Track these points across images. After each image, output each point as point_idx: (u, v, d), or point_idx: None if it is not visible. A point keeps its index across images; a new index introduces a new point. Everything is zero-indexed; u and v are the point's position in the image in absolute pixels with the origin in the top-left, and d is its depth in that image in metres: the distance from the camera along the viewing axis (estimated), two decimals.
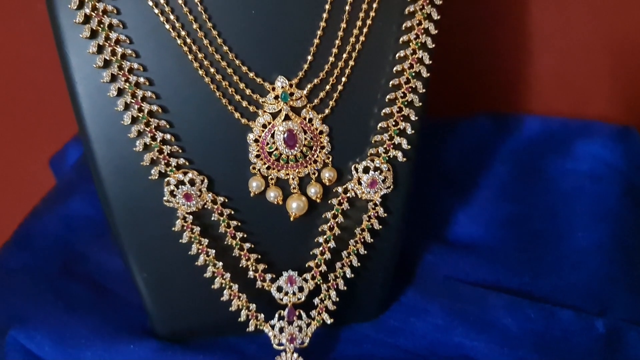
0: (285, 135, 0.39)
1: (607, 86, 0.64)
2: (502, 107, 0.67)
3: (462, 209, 0.54)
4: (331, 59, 0.40)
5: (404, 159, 0.41)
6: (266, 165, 0.40)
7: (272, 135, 0.39)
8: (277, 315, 0.41)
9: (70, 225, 0.54)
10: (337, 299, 0.42)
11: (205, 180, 0.40)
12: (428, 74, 0.40)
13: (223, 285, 0.41)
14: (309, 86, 0.40)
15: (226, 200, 0.40)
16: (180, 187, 0.39)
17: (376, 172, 0.41)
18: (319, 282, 0.42)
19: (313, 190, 0.40)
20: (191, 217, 0.40)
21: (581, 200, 0.50)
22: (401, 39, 0.40)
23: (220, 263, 0.40)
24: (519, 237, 0.50)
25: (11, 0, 0.69)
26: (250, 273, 0.41)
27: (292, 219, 0.40)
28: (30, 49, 0.71)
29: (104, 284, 0.50)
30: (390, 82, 0.40)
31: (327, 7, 0.39)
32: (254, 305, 0.41)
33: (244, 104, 0.39)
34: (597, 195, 0.51)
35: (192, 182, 0.39)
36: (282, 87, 0.39)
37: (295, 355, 0.41)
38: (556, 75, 0.65)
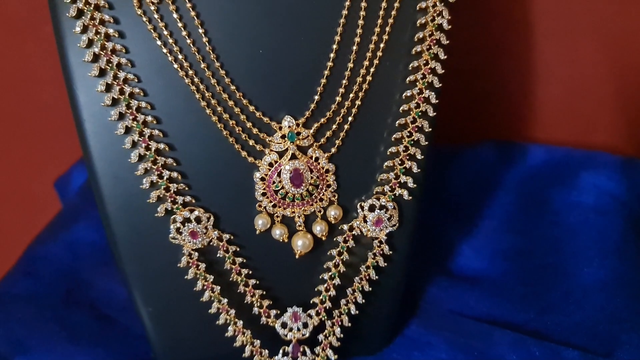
0: (292, 174, 0.39)
1: (612, 116, 0.64)
2: (507, 134, 0.67)
3: (466, 240, 0.54)
4: (338, 98, 0.40)
5: (410, 198, 0.41)
6: (272, 203, 0.40)
7: (279, 174, 0.39)
8: (281, 351, 0.41)
9: (74, 251, 0.54)
10: (342, 335, 0.42)
11: (212, 218, 0.40)
12: (434, 113, 0.41)
13: (228, 321, 0.41)
14: (315, 125, 0.40)
15: (232, 237, 0.40)
16: (186, 224, 0.39)
17: (382, 211, 0.41)
18: (323, 319, 0.42)
19: (319, 228, 0.40)
20: (197, 253, 0.40)
21: (586, 235, 0.50)
22: (408, 79, 0.40)
23: (225, 299, 0.40)
24: (523, 270, 0.50)
25: (18, 22, 0.69)
26: (255, 309, 0.41)
27: (297, 256, 0.41)
28: (36, 69, 0.71)
29: (107, 313, 0.50)
30: (397, 122, 0.40)
31: (334, 46, 0.40)
32: (259, 341, 0.41)
33: (251, 142, 0.39)
34: (602, 229, 0.50)
35: (198, 220, 0.39)
36: (289, 126, 0.39)
37: None
38: (561, 104, 0.65)
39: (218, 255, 0.40)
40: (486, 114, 0.68)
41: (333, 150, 0.40)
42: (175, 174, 0.39)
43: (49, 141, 0.72)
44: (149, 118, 0.38)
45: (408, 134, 0.40)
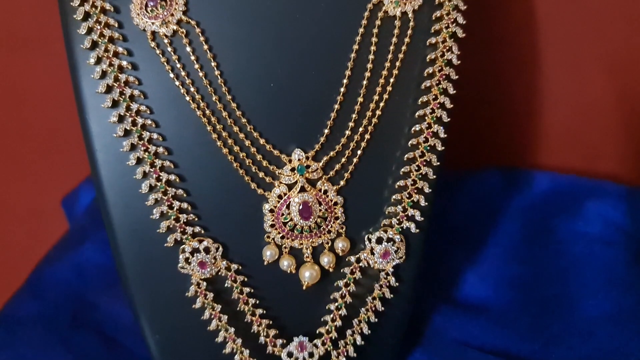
0: (301, 207, 0.39)
1: (618, 143, 0.65)
2: (513, 160, 0.67)
3: (471, 268, 0.54)
4: (348, 132, 0.40)
5: (417, 230, 0.41)
6: (280, 235, 0.40)
7: (288, 206, 0.40)
8: None
9: (81, 273, 0.55)
10: None
11: (220, 248, 0.40)
12: (442, 148, 0.41)
13: (234, 350, 0.41)
14: (325, 158, 0.40)
15: (240, 267, 0.41)
16: (195, 254, 0.39)
17: (389, 243, 0.41)
18: (329, 348, 0.42)
19: (326, 260, 0.41)
20: (205, 283, 0.40)
21: (591, 266, 0.50)
22: (417, 113, 0.41)
23: (232, 329, 0.41)
24: (528, 300, 0.50)
25: (30, 38, 0.70)
26: (262, 338, 0.41)
27: (304, 287, 0.41)
28: (45, 86, 0.72)
29: (113, 336, 0.50)
30: (405, 156, 0.41)
31: (345, 81, 0.40)
32: None
33: (261, 174, 0.40)
34: (607, 260, 0.51)
35: (207, 250, 0.40)
36: (299, 159, 0.40)
37: None
38: (567, 131, 0.66)
39: (226, 284, 0.41)
40: (492, 139, 0.68)
41: (342, 183, 0.40)
42: (185, 205, 0.39)
43: (57, 158, 0.73)
44: (161, 149, 0.39)
45: (416, 168, 0.41)
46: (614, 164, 0.65)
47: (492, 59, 0.65)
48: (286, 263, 0.40)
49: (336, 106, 0.40)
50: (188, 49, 0.39)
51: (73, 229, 0.61)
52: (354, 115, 0.40)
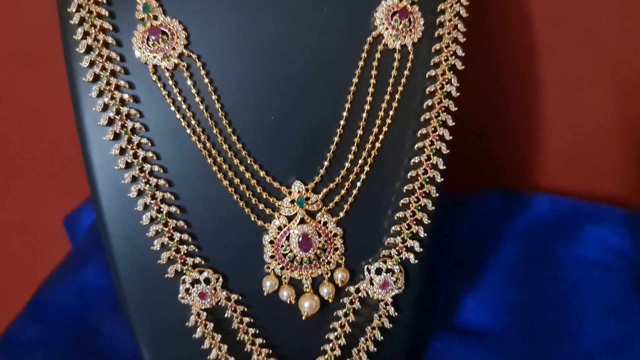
0: (300, 239, 0.40)
1: (618, 165, 0.65)
2: (513, 182, 0.68)
3: (470, 293, 0.54)
4: (347, 164, 0.40)
5: (416, 261, 0.41)
6: (280, 266, 0.40)
7: (287, 238, 0.40)
8: None
9: (83, 296, 0.55)
10: None
11: (220, 279, 0.40)
12: (442, 179, 0.41)
13: None
14: (324, 190, 0.40)
15: (240, 297, 0.41)
16: (195, 285, 0.40)
17: (388, 274, 0.41)
18: None
19: (325, 290, 0.41)
20: (205, 313, 0.40)
21: (590, 292, 0.50)
22: (416, 145, 0.41)
23: (232, 358, 0.41)
24: (527, 327, 0.50)
25: (33, 57, 0.70)
26: None
27: (304, 317, 0.41)
28: (49, 105, 0.72)
29: None
30: (405, 187, 0.41)
31: (344, 114, 0.40)
32: None
33: (261, 206, 0.40)
34: (606, 287, 0.51)
35: (207, 281, 0.40)
36: (299, 192, 0.40)
37: None
38: (567, 153, 0.66)
39: (226, 314, 0.41)
40: (493, 161, 0.68)
41: (341, 214, 0.41)
42: (185, 236, 0.39)
43: (60, 176, 0.73)
44: (162, 181, 0.39)
45: (415, 199, 0.41)
46: (614, 186, 0.65)
47: (493, 82, 0.65)
48: (286, 293, 0.41)
49: (336, 138, 0.40)
50: (189, 82, 0.39)
51: (75, 250, 0.61)
52: (353, 148, 0.40)
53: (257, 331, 0.41)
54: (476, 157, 0.66)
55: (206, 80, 0.39)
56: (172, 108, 0.39)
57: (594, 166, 0.66)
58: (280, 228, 0.40)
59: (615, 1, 0.60)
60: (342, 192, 0.41)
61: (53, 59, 0.68)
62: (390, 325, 0.42)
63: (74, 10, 0.39)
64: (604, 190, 0.65)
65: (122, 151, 0.39)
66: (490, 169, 0.69)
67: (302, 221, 0.40)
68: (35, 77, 0.71)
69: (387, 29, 0.41)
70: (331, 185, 0.40)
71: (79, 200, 0.70)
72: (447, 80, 0.41)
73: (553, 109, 0.64)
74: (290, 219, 0.40)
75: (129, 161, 0.39)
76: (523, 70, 0.64)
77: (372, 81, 0.41)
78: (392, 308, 0.42)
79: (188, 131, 0.39)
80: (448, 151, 0.41)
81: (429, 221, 0.41)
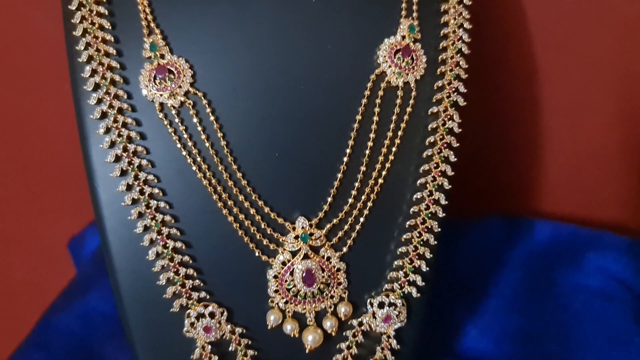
0: (304, 274, 0.40)
1: (620, 192, 0.65)
2: (515, 207, 0.68)
3: (472, 320, 0.55)
4: (350, 199, 0.41)
5: (418, 295, 0.42)
6: (284, 300, 0.41)
7: (291, 273, 0.40)
8: None
9: (87, 322, 0.55)
10: None
11: (225, 312, 0.41)
12: (444, 214, 0.42)
13: None
14: (328, 226, 0.41)
15: (244, 330, 0.41)
16: (200, 319, 0.40)
17: (391, 308, 0.42)
18: None
19: (329, 324, 0.41)
20: (210, 346, 0.41)
21: (592, 322, 0.51)
22: (419, 181, 0.42)
23: None
24: (529, 356, 0.50)
25: (39, 77, 0.71)
26: None
27: (307, 351, 0.41)
28: (53, 127, 0.73)
29: None
30: (407, 223, 0.41)
31: (348, 150, 0.41)
32: None
33: (265, 242, 0.40)
34: (608, 316, 0.51)
35: (212, 315, 0.40)
36: (303, 227, 0.40)
37: None
38: (568, 178, 0.66)
39: (230, 348, 0.41)
40: (495, 186, 0.69)
41: (345, 249, 0.41)
42: (191, 271, 0.40)
43: (64, 198, 0.74)
44: (168, 217, 0.40)
45: (418, 235, 0.42)
46: (616, 212, 0.66)
47: (494, 109, 0.65)
48: (289, 327, 0.41)
49: (339, 175, 0.41)
50: (195, 119, 0.40)
51: (79, 275, 0.61)
52: (356, 184, 0.41)
53: None
54: (478, 182, 0.67)
55: (212, 118, 0.40)
56: (178, 145, 0.40)
57: (595, 192, 0.66)
58: (284, 263, 0.41)
59: (616, 29, 0.61)
60: (346, 227, 0.41)
61: (62, 79, 0.69)
62: (393, 357, 0.42)
63: (82, 48, 0.40)
64: (606, 216, 0.66)
65: (129, 187, 0.39)
66: (493, 194, 0.69)
67: (306, 256, 0.41)
68: (45, 99, 0.71)
69: (390, 66, 0.41)
70: (335, 220, 0.41)
71: (84, 222, 0.71)
72: (449, 116, 0.42)
73: (554, 135, 0.65)
74: (294, 254, 0.41)
75: (136, 197, 0.39)
76: (524, 97, 0.64)
77: (375, 118, 0.41)
78: (395, 341, 0.42)
79: (194, 168, 0.40)
80: (450, 187, 0.42)
81: (431, 255, 0.42)
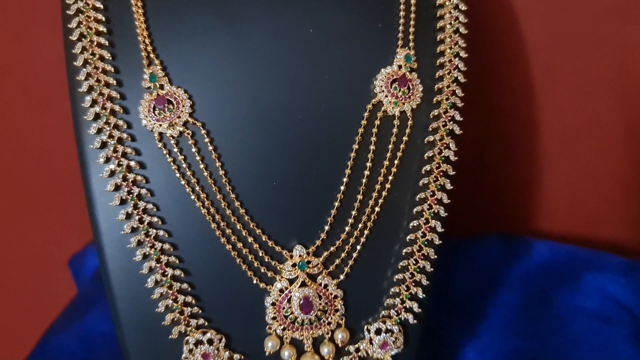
0: (302, 302, 0.41)
1: (619, 211, 0.65)
2: (513, 226, 0.68)
3: (470, 341, 0.55)
4: (347, 228, 0.41)
5: (415, 321, 0.42)
6: (282, 327, 0.41)
7: (289, 300, 0.41)
8: None
9: (87, 343, 0.56)
10: None
11: (223, 339, 0.41)
12: (440, 242, 0.42)
13: None
14: (325, 254, 0.41)
15: (242, 357, 0.41)
16: (199, 346, 0.40)
17: (388, 334, 0.42)
18: None
19: (326, 350, 0.42)
20: None
21: (590, 345, 0.51)
22: (415, 209, 0.42)
23: None
24: None
25: (38, 96, 0.71)
26: None
27: None
28: (55, 145, 0.73)
29: None
30: (404, 250, 0.42)
31: (345, 179, 0.41)
32: None
33: (263, 269, 0.41)
34: (605, 339, 0.51)
35: (210, 342, 0.41)
36: (300, 255, 0.41)
37: None
38: (566, 198, 0.67)
39: None
40: (493, 205, 0.69)
41: (342, 277, 0.42)
42: (189, 298, 0.40)
43: (64, 215, 0.74)
44: (166, 246, 0.40)
45: (414, 262, 0.42)
46: (615, 231, 0.66)
47: (494, 128, 0.66)
48: (287, 353, 0.41)
49: (336, 203, 0.41)
50: (194, 149, 0.40)
51: (79, 295, 0.62)
52: (353, 212, 0.41)
53: None
54: (477, 201, 0.67)
55: (210, 148, 0.40)
56: (177, 174, 0.40)
57: (594, 211, 0.67)
58: (282, 290, 0.41)
59: (614, 50, 0.62)
60: (343, 255, 0.41)
61: (59, 97, 0.70)
62: None
63: (83, 78, 0.40)
64: (605, 236, 0.66)
65: (128, 216, 0.40)
66: (492, 213, 0.69)
67: (304, 284, 0.41)
68: (46, 116, 0.72)
69: (386, 96, 0.42)
70: (332, 248, 0.41)
71: (85, 240, 0.71)
72: (445, 145, 0.42)
73: (553, 155, 0.65)
74: (291, 281, 0.41)
75: (135, 226, 0.40)
76: (523, 118, 0.65)
77: (372, 147, 0.42)
78: None
79: (192, 197, 0.40)
80: (446, 214, 0.42)
81: (428, 282, 0.42)
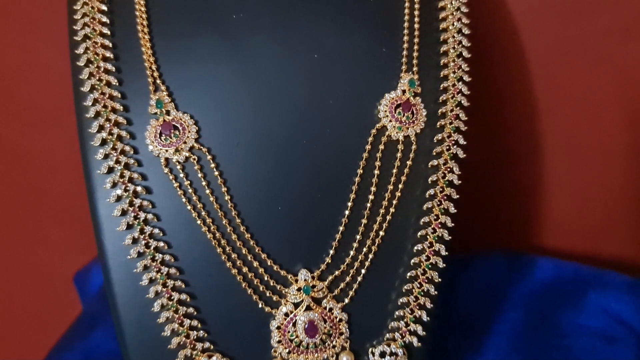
0: (307, 325, 0.41)
1: (623, 228, 0.66)
2: (517, 243, 0.69)
3: (474, 359, 0.55)
4: (352, 252, 0.42)
5: (419, 344, 0.42)
6: (287, 350, 0.41)
7: (294, 324, 0.41)
8: None
9: None
10: None
11: None
12: (444, 265, 0.42)
13: None
14: (330, 278, 0.41)
15: None
16: None
17: (392, 357, 0.42)
18: None
19: None
20: None
21: None
22: (419, 233, 0.42)
23: None
24: None
25: (43, 112, 0.72)
26: None
27: None
28: (61, 158, 0.74)
29: None
30: (408, 273, 0.42)
31: (349, 203, 0.42)
32: None
33: (268, 293, 0.41)
34: (610, 358, 0.51)
35: None
36: (305, 280, 0.41)
37: None
38: (571, 214, 0.67)
39: None
40: (497, 222, 0.69)
41: (347, 300, 0.42)
42: (195, 322, 0.41)
43: (68, 230, 0.75)
44: (172, 270, 0.40)
45: (418, 285, 0.42)
46: (620, 248, 0.66)
47: (496, 147, 0.66)
48: None
49: (341, 227, 0.42)
50: (200, 174, 0.41)
51: (85, 312, 0.62)
52: (358, 236, 0.42)
53: None
54: (481, 218, 0.67)
55: (216, 173, 0.41)
56: (183, 199, 0.41)
57: (599, 228, 0.67)
58: (287, 314, 0.41)
59: (616, 67, 0.62)
60: (347, 278, 0.42)
61: (64, 112, 0.70)
62: None
63: (90, 104, 0.41)
64: (610, 252, 0.66)
65: (135, 241, 0.40)
66: (496, 230, 0.70)
67: (308, 308, 0.41)
68: (50, 131, 0.73)
69: (390, 121, 0.42)
70: (336, 272, 0.42)
71: (90, 256, 0.72)
72: (449, 169, 0.42)
73: (557, 172, 0.66)
74: (296, 305, 0.41)
75: (141, 251, 0.40)
76: (527, 134, 0.65)
77: (376, 171, 0.42)
78: None
79: (198, 221, 0.41)
80: (450, 237, 0.42)
81: (432, 305, 0.42)
